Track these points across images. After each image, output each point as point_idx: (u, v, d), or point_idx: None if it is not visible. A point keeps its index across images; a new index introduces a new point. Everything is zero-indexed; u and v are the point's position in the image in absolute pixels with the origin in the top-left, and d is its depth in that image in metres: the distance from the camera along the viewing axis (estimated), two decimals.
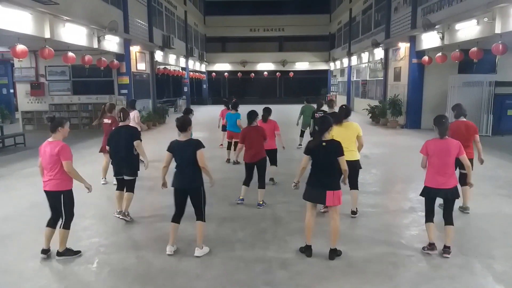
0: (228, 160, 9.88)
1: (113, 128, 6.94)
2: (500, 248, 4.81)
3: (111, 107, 7.94)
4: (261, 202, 6.45)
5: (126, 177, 5.76)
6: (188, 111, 7.92)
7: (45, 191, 4.53)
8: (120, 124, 5.96)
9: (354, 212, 5.96)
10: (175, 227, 4.77)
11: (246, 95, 34.36)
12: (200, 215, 4.71)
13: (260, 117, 6.96)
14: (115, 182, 7.35)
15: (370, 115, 18.72)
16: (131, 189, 5.80)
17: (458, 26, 12.29)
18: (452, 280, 4.11)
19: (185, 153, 4.58)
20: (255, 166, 6.39)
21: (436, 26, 13.41)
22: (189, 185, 4.64)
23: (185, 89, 29.72)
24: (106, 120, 7.78)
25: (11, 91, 20.44)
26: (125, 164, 5.71)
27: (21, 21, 9.48)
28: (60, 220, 4.55)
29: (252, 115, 6.48)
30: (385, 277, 4.17)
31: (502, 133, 13.92)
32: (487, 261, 4.45)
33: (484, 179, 7.93)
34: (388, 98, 18.12)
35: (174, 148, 4.64)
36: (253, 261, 4.52)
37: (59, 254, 4.54)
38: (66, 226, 4.54)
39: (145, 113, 16.75)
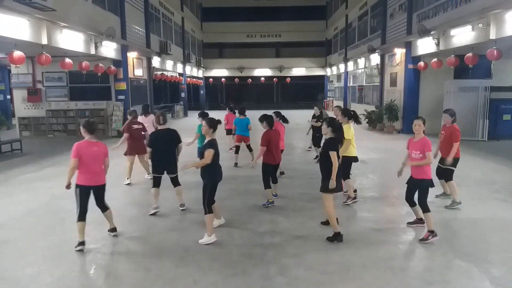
0: (236, 164, 9.93)
1: (142, 132, 8.09)
2: (497, 253, 4.83)
3: (133, 113, 8.45)
4: (275, 193, 7.05)
5: (171, 175, 6.33)
6: (204, 114, 7.99)
7: (98, 186, 5.08)
8: (160, 127, 6.35)
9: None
10: (215, 207, 5.45)
11: (243, 101, 34.43)
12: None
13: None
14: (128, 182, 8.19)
15: (366, 120, 18.78)
16: (178, 183, 6.48)
17: (453, 32, 12.40)
18: (450, 284, 4.12)
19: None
20: (275, 167, 6.86)
21: (432, 32, 13.52)
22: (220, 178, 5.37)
23: (183, 94, 29.76)
24: (136, 126, 8.18)
25: (8, 97, 20.40)
26: (172, 163, 6.26)
27: (19, 28, 9.50)
28: (101, 209, 5.27)
29: (271, 118, 6.79)
30: (382, 282, 4.18)
31: (497, 138, 13.99)
32: (484, 266, 4.47)
33: (480, 184, 7.97)
34: (384, 103, 18.19)
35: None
36: (250, 267, 4.52)
37: (113, 230, 5.41)
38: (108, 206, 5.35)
39: None
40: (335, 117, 6.59)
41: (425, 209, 5.16)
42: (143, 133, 8.18)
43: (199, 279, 4.26)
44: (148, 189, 6.44)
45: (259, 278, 4.27)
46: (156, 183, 6.22)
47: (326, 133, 5.16)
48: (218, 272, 4.39)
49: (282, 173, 8.56)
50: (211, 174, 5.14)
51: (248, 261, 4.66)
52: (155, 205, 6.29)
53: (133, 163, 8.26)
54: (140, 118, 8.96)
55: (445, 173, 6.53)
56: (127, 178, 8.30)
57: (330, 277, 4.29)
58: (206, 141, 5.22)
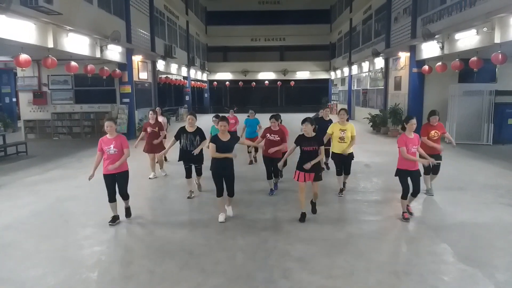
0: (251, 162, 10.70)
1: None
2: (502, 258, 4.80)
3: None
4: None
5: (197, 166, 7.35)
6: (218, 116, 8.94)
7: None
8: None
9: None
10: (222, 200, 6.12)
11: (247, 104, 34.48)
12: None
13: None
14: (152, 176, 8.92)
15: (371, 124, 18.76)
16: (201, 173, 7.58)
17: (457, 35, 12.37)
18: None
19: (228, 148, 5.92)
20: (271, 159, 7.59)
21: (436, 36, 13.49)
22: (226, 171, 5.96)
23: (187, 98, 29.86)
24: (149, 129, 8.94)
25: (14, 100, 20.56)
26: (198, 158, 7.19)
27: (25, 31, 9.58)
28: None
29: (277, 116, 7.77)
30: (387, 286, 4.16)
31: (502, 142, 13.92)
32: (489, 271, 4.44)
33: (485, 188, 7.93)
34: (388, 107, 18.16)
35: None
36: (254, 270, 4.51)
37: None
38: None
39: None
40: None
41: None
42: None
43: (202, 282, 4.26)
44: (155, 186, 6.47)
45: (263, 281, 4.26)
46: (187, 174, 7.26)
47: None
48: (221, 275, 4.39)
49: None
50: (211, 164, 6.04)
51: (251, 265, 4.66)
52: (190, 190, 7.36)
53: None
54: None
55: (438, 167, 7.34)
56: (153, 172, 9.00)
57: (334, 281, 4.27)
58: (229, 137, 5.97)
